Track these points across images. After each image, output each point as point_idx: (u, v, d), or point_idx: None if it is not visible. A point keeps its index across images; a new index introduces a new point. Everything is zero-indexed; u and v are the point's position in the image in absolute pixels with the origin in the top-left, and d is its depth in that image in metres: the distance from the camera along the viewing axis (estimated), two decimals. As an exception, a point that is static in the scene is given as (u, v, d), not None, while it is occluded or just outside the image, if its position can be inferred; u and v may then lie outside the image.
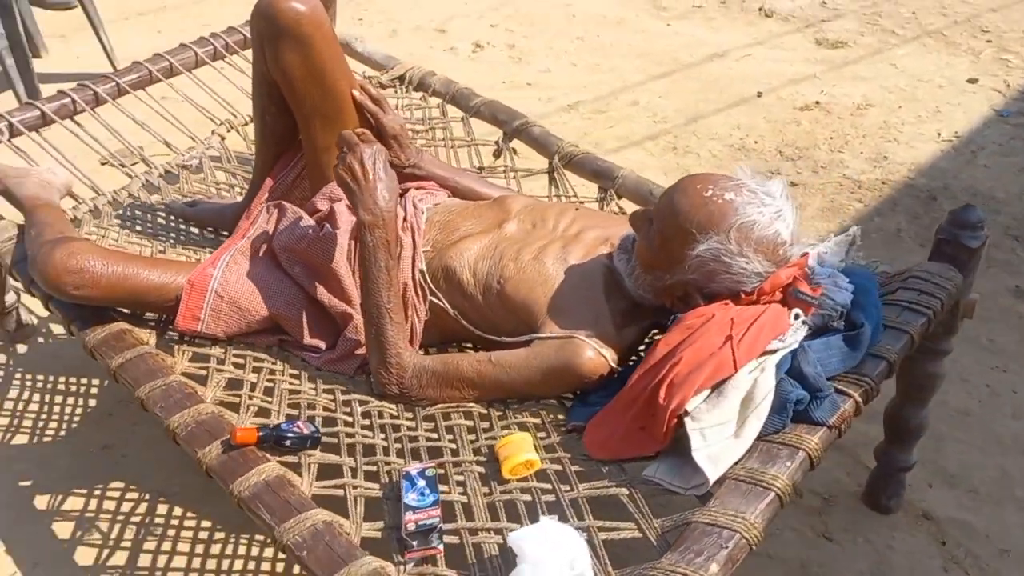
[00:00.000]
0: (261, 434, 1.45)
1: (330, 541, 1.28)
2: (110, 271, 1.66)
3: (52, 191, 2.03)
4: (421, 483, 1.38)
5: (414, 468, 1.41)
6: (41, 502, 1.97)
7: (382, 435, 1.55)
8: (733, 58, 3.75)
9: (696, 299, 1.48)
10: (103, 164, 2.50)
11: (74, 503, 1.95)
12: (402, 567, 1.28)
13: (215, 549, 1.86)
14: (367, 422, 1.58)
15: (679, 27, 4.04)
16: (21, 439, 2.12)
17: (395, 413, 1.61)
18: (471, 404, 1.60)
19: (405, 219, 1.78)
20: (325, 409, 1.61)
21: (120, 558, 1.84)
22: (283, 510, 1.34)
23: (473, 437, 1.54)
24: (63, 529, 1.89)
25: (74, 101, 2.30)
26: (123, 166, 2.29)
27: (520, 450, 1.43)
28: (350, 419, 1.59)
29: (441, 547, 1.30)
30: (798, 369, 1.34)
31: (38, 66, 3.50)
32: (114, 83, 2.36)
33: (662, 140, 3.24)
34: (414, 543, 1.30)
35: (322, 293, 1.72)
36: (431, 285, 1.70)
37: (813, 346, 1.38)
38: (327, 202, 1.85)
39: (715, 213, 1.43)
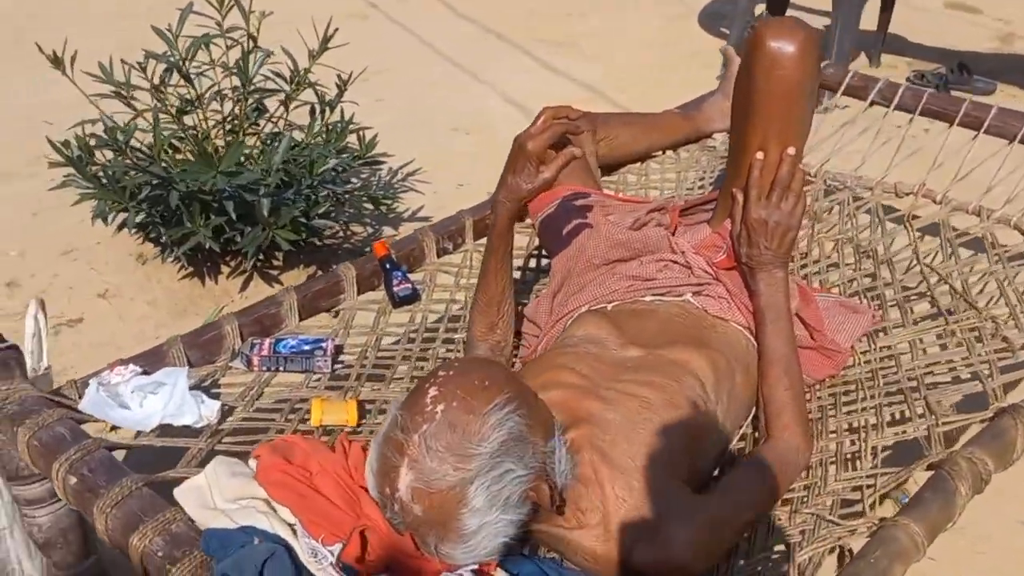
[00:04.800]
0: (384, 259, 1.80)
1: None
2: None
3: (724, 118, 2.26)
4: (314, 348, 1.60)
5: (330, 344, 1.63)
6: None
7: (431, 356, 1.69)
8: None
9: None
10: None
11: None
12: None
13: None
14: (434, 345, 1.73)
15: None
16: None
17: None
18: None
19: (655, 280, 1.62)
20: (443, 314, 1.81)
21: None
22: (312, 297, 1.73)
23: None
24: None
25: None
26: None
27: (333, 408, 1.50)
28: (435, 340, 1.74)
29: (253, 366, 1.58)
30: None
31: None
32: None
33: None
34: (246, 352, 1.60)
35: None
36: (565, 326, 1.60)
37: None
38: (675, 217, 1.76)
39: (417, 388, 1.11)
